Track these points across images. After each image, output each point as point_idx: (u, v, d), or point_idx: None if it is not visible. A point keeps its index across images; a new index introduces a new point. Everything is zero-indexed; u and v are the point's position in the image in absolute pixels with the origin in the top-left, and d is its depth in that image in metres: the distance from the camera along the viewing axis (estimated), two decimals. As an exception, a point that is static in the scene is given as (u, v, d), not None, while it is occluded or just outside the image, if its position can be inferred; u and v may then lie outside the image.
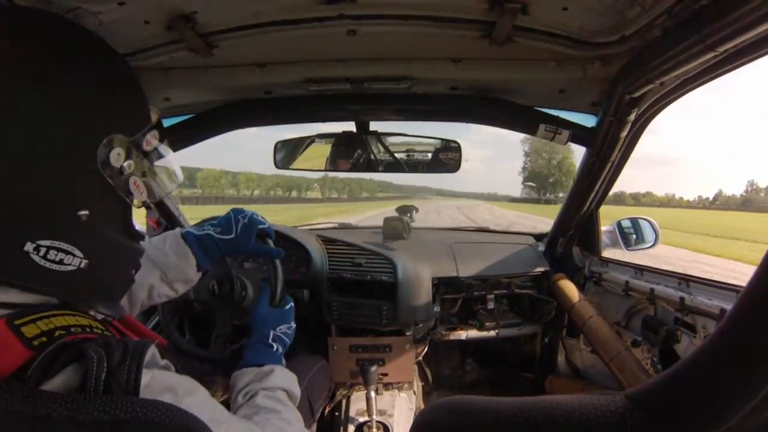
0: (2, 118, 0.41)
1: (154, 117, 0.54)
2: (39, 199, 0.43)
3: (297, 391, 0.82)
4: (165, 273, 0.85)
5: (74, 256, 0.46)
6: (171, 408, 0.40)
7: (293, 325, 0.94)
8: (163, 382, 0.44)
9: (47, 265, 0.44)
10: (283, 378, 0.81)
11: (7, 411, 0.34)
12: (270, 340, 0.87)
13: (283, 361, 0.88)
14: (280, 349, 0.88)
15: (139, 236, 0.57)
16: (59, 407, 0.35)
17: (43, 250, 0.44)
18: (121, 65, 0.53)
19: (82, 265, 0.47)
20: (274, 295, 0.95)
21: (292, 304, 0.97)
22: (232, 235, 0.91)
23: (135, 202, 0.52)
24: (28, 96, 0.42)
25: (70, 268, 0.46)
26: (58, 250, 0.45)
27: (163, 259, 0.85)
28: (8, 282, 0.44)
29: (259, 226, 0.93)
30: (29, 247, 0.43)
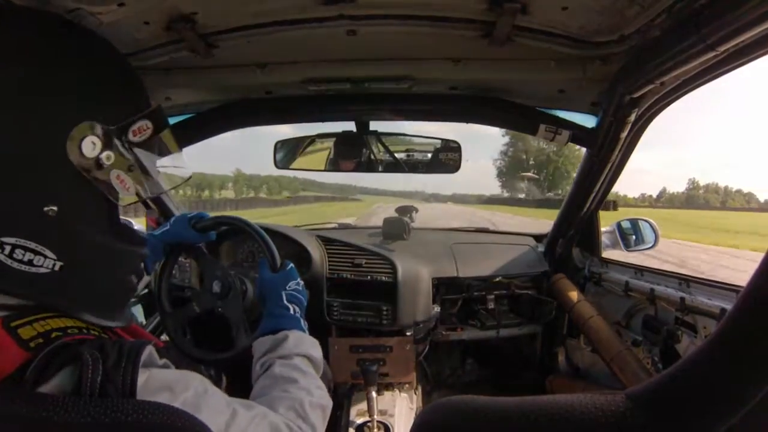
0: None
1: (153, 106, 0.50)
2: (3, 195, 0.41)
3: (317, 354, 0.78)
4: None
5: (45, 257, 0.42)
6: (171, 410, 0.39)
7: (301, 281, 0.94)
8: (160, 380, 0.42)
9: (15, 265, 0.41)
10: (300, 343, 0.77)
11: (8, 414, 0.34)
12: (285, 302, 0.86)
13: (304, 323, 0.85)
14: (298, 311, 0.86)
15: (138, 240, 0.53)
16: (59, 410, 0.35)
17: (8, 249, 0.40)
18: (108, 50, 0.48)
19: (56, 267, 0.43)
20: (273, 259, 0.98)
21: (293, 264, 0.97)
22: (167, 227, 1.07)
23: (122, 199, 0.48)
24: None
25: (42, 270, 0.42)
26: (25, 249, 0.41)
27: None
28: None
29: (189, 216, 1.10)
30: None
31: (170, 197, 1.75)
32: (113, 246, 0.48)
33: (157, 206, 1.71)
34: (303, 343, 0.78)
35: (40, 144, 0.41)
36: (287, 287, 0.89)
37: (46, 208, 0.41)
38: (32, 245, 0.41)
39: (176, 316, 1.17)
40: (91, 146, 0.43)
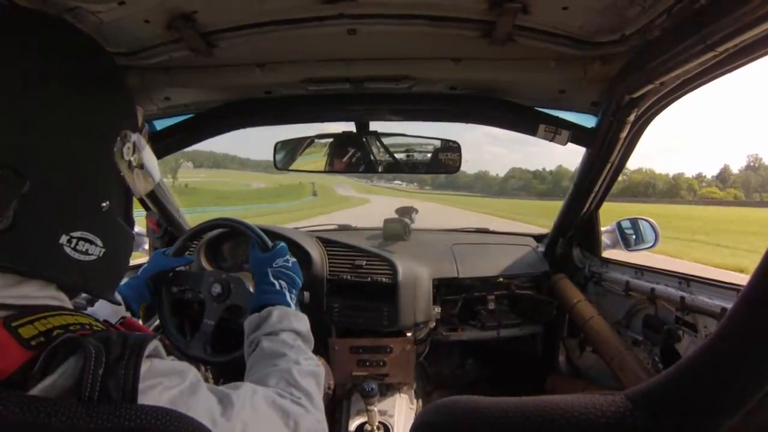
0: (39, 122, 0.43)
1: (140, 116, 0.58)
2: (74, 193, 0.46)
3: (302, 327, 0.80)
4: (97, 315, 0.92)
5: (96, 245, 0.48)
6: (175, 415, 0.39)
7: (290, 258, 0.96)
8: (160, 369, 0.43)
9: (75, 255, 0.46)
10: (284, 318, 0.79)
11: (8, 421, 0.34)
12: (271, 278, 0.88)
13: (290, 297, 0.87)
14: (284, 286, 0.88)
15: (133, 223, 0.60)
16: (60, 416, 0.35)
17: (74, 242, 0.45)
18: (118, 68, 0.55)
19: (101, 254, 0.48)
20: (261, 239, 1.01)
21: (283, 244, 0.99)
22: (146, 265, 1.18)
23: (138, 192, 0.56)
24: (58, 95, 0.45)
25: (92, 257, 0.47)
26: (86, 240, 0.47)
27: (98, 305, 0.93)
28: (38, 275, 0.44)
29: (162, 250, 1.25)
30: (63, 239, 0.45)
31: (172, 200, 1.75)
32: (128, 232, 0.56)
33: (159, 211, 1.71)
34: (287, 317, 0.79)
35: (99, 151, 0.49)
36: (274, 264, 0.92)
37: (103, 204, 0.49)
38: (90, 236, 0.47)
39: (196, 342, 1.20)
40: (128, 151, 0.51)
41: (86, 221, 0.47)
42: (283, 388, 0.63)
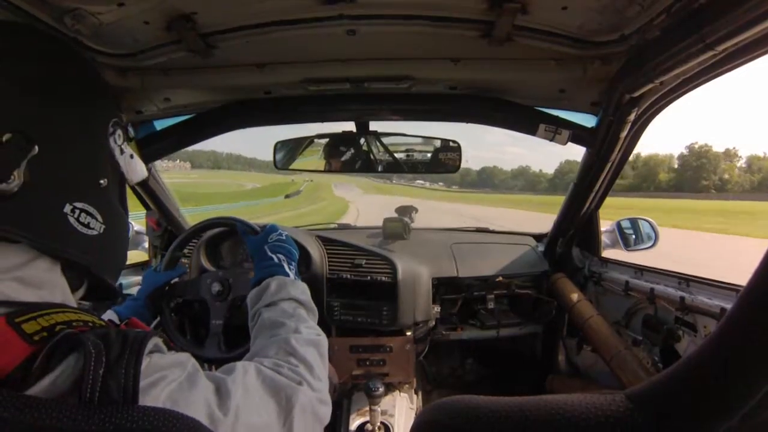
0: (42, 107, 0.46)
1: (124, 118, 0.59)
2: (75, 165, 0.49)
3: (302, 295, 0.81)
4: None
5: (97, 220, 0.50)
6: (175, 415, 0.39)
7: (283, 232, 0.98)
8: (158, 365, 0.43)
9: (79, 227, 0.48)
10: (282, 288, 0.80)
11: (10, 422, 0.34)
12: (269, 253, 0.90)
13: (288, 268, 0.88)
14: (282, 258, 0.90)
15: (127, 210, 0.62)
16: (63, 417, 0.35)
17: (77, 212, 0.48)
18: (96, 68, 0.59)
19: (101, 231, 0.50)
20: (249, 226, 1.04)
21: (273, 223, 1.01)
22: (141, 287, 1.18)
23: (130, 179, 0.59)
24: (56, 87, 0.49)
25: (93, 232, 0.49)
26: (87, 213, 0.49)
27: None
28: (43, 249, 0.45)
29: (152, 267, 1.30)
30: (68, 208, 0.47)
31: (171, 199, 1.75)
32: (125, 215, 0.58)
33: (157, 207, 1.70)
34: (285, 287, 0.80)
35: (96, 133, 0.53)
36: (269, 240, 0.94)
37: (101, 181, 0.52)
38: (91, 209, 0.49)
39: (210, 344, 1.20)
40: (119, 136, 0.55)
41: (87, 194, 0.49)
42: (282, 358, 0.64)
